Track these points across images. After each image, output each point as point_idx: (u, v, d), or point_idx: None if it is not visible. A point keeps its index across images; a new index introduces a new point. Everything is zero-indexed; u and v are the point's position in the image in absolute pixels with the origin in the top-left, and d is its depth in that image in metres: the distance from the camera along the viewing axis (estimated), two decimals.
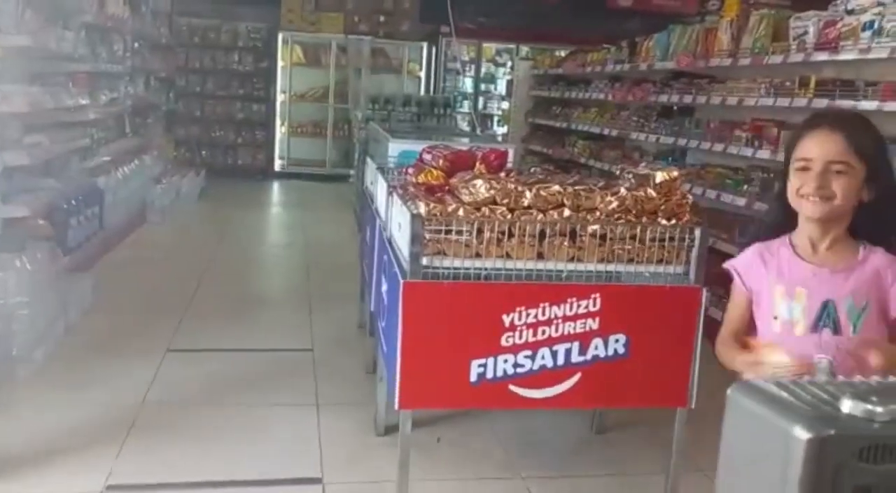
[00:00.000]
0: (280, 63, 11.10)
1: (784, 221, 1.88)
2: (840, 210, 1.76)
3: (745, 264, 1.91)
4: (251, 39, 11.20)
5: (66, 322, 4.18)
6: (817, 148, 1.74)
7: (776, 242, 1.88)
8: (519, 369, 2.61)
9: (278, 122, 11.27)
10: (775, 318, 1.81)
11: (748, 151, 4.62)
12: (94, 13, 5.86)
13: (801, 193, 1.76)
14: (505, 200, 2.57)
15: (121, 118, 7.07)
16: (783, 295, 1.81)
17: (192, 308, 4.82)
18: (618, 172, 2.94)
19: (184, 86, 10.67)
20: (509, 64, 12.01)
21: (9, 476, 2.71)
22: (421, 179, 2.93)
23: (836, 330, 1.77)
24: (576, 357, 2.65)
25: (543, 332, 2.61)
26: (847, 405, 0.64)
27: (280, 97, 11.20)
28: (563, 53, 9.39)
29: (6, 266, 3.64)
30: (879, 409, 0.64)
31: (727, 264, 1.94)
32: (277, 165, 11.30)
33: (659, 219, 2.64)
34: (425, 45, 11.35)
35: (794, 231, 1.86)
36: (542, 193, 2.59)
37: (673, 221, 2.64)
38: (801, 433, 0.62)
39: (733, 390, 0.70)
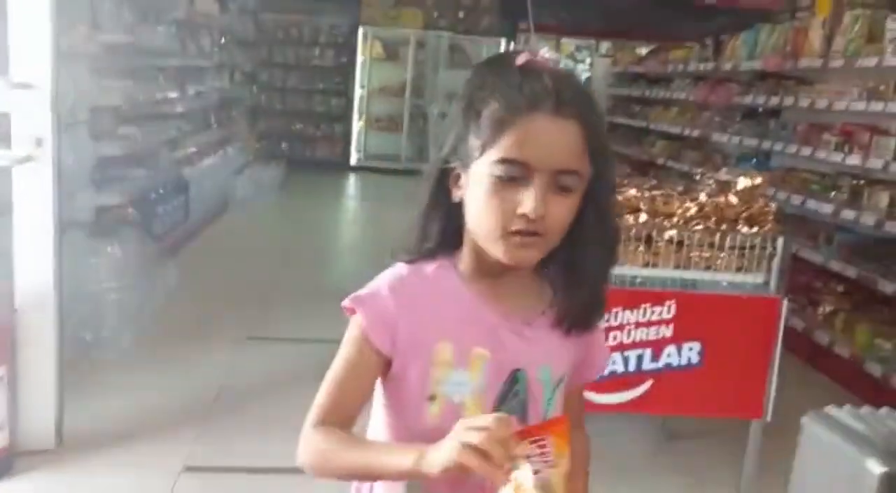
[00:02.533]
0: (360, 58, 11.27)
1: (447, 239, 1.14)
2: (550, 247, 1.07)
3: (378, 311, 1.11)
4: (332, 35, 11.41)
5: (153, 307, 4.37)
6: (543, 148, 1.00)
7: (430, 266, 1.14)
8: None
9: (356, 116, 11.45)
10: (432, 398, 1.09)
11: (837, 157, 4.44)
12: (186, 10, 6.09)
13: (506, 227, 1.02)
14: None
15: (207, 111, 7.32)
16: (451, 360, 1.09)
17: (270, 297, 4.97)
18: (698, 177, 2.89)
19: (266, 80, 10.97)
20: (588, 60, 11.87)
21: (93, 453, 2.86)
22: None
23: (523, 416, 1.10)
24: (648, 364, 2.62)
25: (615, 337, 2.59)
26: None
27: (358, 92, 11.37)
28: (643, 51, 9.22)
29: (98, 252, 3.83)
30: None
31: (349, 301, 1.14)
32: (354, 158, 11.49)
33: (739, 226, 2.58)
34: (503, 41, 11.32)
35: (459, 252, 1.14)
36: (618, 197, 2.56)
37: (754, 229, 2.57)
38: (875, 467, 0.61)
39: (808, 419, 0.70)
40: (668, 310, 2.59)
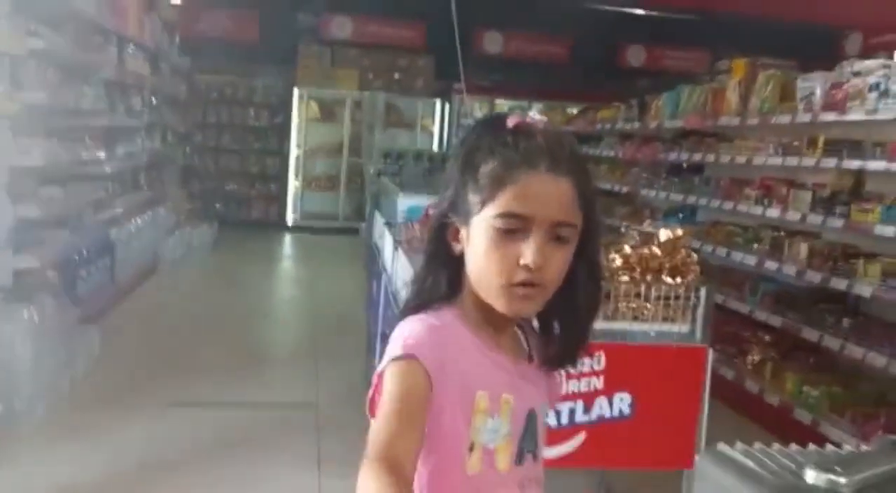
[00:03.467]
0: (295, 118, 11.29)
1: (450, 291, 1.17)
2: (548, 298, 1.12)
3: (432, 351, 1.08)
4: (268, 95, 11.44)
5: (72, 374, 4.17)
6: (541, 201, 1.06)
7: (445, 315, 1.15)
8: None
9: (292, 175, 11.41)
10: (471, 449, 1.10)
11: (758, 210, 4.61)
12: (114, 70, 6.02)
13: (508, 279, 1.07)
14: None
15: (136, 172, 7.18)
16: (487, 407, 1.11)
17: (198, 361, 4.80)
18: (623, 230, 2.94)
19: (200, 140, 10.88)
20: None
21: None
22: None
23: (535, 452, 1.18)
24: (580, 416, 2.60)
25: None
26: (811, 476, 0.63)
27: (294, 151, 11.36)
28: (574, 110, 9.51)
29: (14, 318, 3.65)
30: (842, 479, 0.63)
31: (400, 349, 1.09)
32: (290, 218, 11.40)
33: (663, 277, 2.62)
34: (438, 101, 11.53)
35: (459, 300, 1.16)
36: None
37: (678, 280, 2.61)
38: None
39: (701, 458, 0.69)
40: (597, 362, 2.58)
